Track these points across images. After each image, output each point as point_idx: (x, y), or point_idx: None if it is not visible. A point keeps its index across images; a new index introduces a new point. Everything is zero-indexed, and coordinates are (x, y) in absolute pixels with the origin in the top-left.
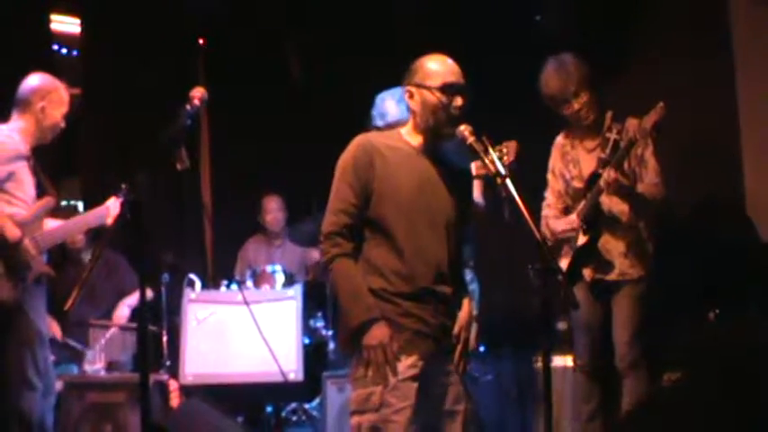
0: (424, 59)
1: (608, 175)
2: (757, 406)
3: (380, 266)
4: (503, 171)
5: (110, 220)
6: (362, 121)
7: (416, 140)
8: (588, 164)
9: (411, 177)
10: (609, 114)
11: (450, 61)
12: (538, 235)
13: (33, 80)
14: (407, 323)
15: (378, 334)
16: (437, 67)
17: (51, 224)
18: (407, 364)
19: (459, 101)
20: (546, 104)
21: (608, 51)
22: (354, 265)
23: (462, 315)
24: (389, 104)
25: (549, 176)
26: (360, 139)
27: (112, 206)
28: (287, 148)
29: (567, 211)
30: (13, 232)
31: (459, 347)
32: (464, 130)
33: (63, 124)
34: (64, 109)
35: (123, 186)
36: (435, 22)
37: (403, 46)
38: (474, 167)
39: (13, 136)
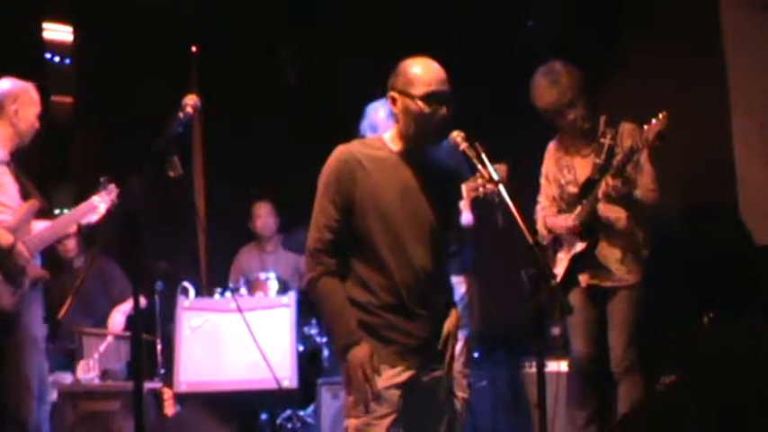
0: (407, 64)
1: (608, 182)
2: (753, 409)
3: (366, 280)
4: (496, 177)
5: (96, 217)
6: (353, 129)
7: (399, 146)
8: (583, 169)
9: (394, 188)
10: (603, 119)
11: (435, 66)
12: (531, 240)
13: (3, 85)
14: (394, 337)
15: (358, 355)
16: (421, 75)
17: (38, 226)
18: (393, 373)
19: (442, 111)
20: (540, 116)
21: (600, 55)
22: (338, 284)
23: (448, 324)
24: (381, 116)
25: (543, 181)
26: (340, 152)
27: (96, 201)
28: (281, 155)
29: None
30: (5, 238)
31: (446, 355)
32: (457, 136)
33: (38, 125)
34: (36, 109)
35: (104, 179)
36: (429, 27)
37: (397, 50)
38: (464, 189)
39: None
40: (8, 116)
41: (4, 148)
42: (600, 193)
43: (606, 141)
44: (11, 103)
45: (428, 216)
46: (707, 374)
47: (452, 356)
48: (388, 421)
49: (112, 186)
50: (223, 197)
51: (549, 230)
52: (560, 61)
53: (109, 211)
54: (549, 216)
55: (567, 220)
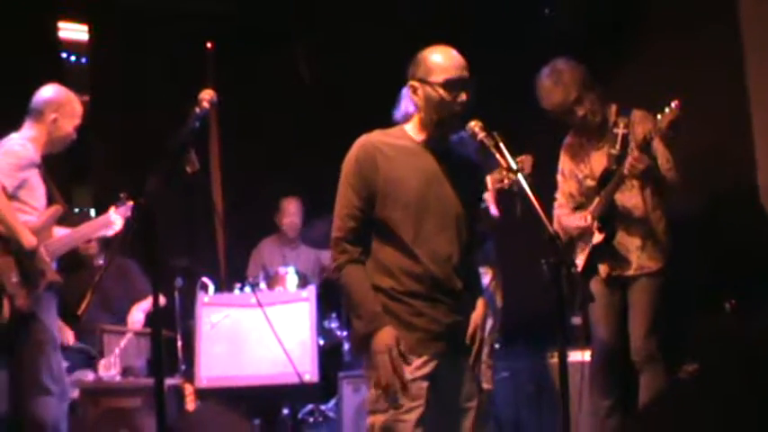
0: (426, 52)
1: (634, 156)
2: None
3: (390, 266)
4: (514, 166)
5: (111, 232)
6: (368, 123)
7: (421, 136)
8: (598, 161)
9: (416, 175)
10: (613, 109)
11: (453, 54)
12: (551, 229)
13: (47, 91)
14: (419, 323)
15: (383, 339)
16: (440, 62)
17: (58, 233)
18: (417, 364)
19: (463, 96)
20: (549, 116)
21: (615, 42)
22: (362, 271)
23: (476, 315)
24: None
25: (559, 177)
26: (362, 141)
27: (114, 217)
28: (297, 149)
29: (578, 210)
30: (29, 240)
31: (474, 349)
32: (475, 125)
33: (74, 136)
34: (76, 121)
35: (122, 196)
36: (444, 18)
37: (413, 41)
38: (489, 180)
39: (27, 144)
40: (46, 123)
41: (37, 152)
42: (626, 168)
43: (620, 131)
44: (51, 111)
45: (453, 205)
46: (729, 363)
47: (480, 349)
48: (415, 415)
49: (130, 204)
50: (240, 191)
51: (565, 231)
52: (563, 59)
53: (123, 229)
54: (563, 216)
55: (582, 219)
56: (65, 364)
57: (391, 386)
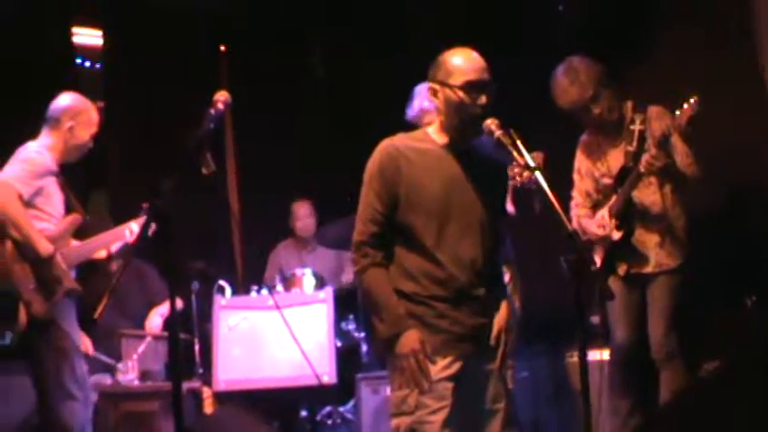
0: (447, 54)
1: (651, 153)
2: None
3: (413, 271)
4: (532, 163)
5: (131, 239)
6: (385, 125)
7: (443, 138)
8: (615, 159)
9: (439, 180)
10: (629, 105)
11: (474, 56)
12: (569, 226)
13: (64, 99)
14: (443, 325)
15: (408, 342)
16: (460, 64)
17: (74, 242)
18: (443, 365)
19: (483, 99)
20: (565, 114)
21: (630, 37)
22: (384, 275)
23: (500, 317)
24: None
25: (575, 176)
26: (384, 145)
27: (133, 226)
28: (313, 150)
29: (595, 208)
30: (45, 247)
31: (500, 350)
32: (491, 123)
33: (91, 145)
34: (93, 130)
35: (144, 207)
36: (462, 23)
37: (428, 42)
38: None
39: (44, 152)
40: (62, 131)
41: (54, 160)
42: (642, 166)
43: (636, 128)
44: (68, 120)
45: (476, 207)
46: (751, 360)
47: (505, 351)
48: (442, 416)
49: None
50: (256, 195)
51: (584, 232)
52: (578, 57)
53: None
54: (583, 217)
55: (602, 226)
56: (86, 369)
57: (418, 387)
